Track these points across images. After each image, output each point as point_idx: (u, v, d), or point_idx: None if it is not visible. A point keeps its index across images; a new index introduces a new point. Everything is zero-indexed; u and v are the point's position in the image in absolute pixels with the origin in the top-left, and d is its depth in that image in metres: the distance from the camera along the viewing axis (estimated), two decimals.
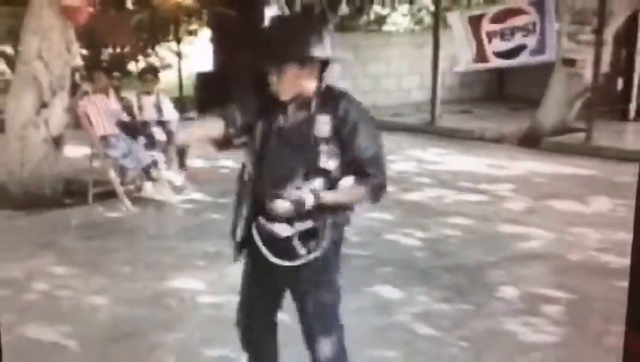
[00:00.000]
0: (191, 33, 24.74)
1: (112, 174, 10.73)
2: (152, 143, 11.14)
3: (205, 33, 24.66)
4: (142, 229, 9.59)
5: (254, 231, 4.19)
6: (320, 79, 4.15)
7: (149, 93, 11.74)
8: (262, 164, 4.15)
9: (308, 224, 4.03)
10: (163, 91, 12.34)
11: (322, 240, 4.06)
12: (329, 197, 4.00)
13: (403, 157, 14.33)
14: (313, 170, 3.99)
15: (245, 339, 4.60)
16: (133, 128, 11.28)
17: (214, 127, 4.21)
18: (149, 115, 11.61)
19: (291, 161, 4.03)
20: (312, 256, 4.06)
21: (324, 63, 4.15)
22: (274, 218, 3.99)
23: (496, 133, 16.46)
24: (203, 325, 6.33)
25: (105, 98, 11.15)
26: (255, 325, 4.56)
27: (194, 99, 20.97)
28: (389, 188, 10.47)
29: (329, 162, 4.01)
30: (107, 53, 22.51)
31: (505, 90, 22.92)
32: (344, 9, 23.04)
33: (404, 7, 26.93)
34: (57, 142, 10.74)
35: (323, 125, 4.02)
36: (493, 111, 19.85)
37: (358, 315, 6.35)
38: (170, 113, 11.90)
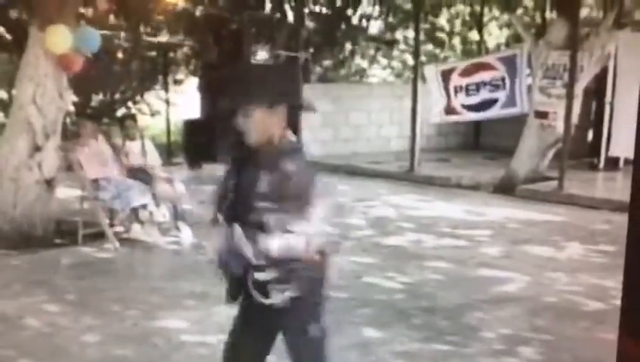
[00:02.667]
0: (178, 82, 24.80)
1: (102, 216, 10.71)
2: (146, 187, 11.11)
3: (192, 82, 24.74)
4: (130, 269, 9.55)
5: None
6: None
7: (132, 139, 11.76)
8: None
9: (274, 271, 4.13)
10: (151, 137, 12.36)
11: (293, 284, 4.15)
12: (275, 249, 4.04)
13: (382, 203, 14.36)
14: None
15: None
16: (141, 174, 11.31)
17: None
18: (135, 160, 11.62)
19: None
20: (285, 295, 4.15)
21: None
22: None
23: (472, 181, 16.54)
24: None
25: (95, 143, 11.15)
26: None
27: (181, 145, 21.01)
28: (370, 232, 10.49)
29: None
30: (97, 99, 22.59)
31: (481, 140, 23.04)
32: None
33: (384, 61, 27.19)
34: (49, 184, 10.72)
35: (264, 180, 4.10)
36: (469, 160, 19.94)
37: (340, 354, 6.34)
38: (154, 158, 11.94)
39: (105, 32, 14.43)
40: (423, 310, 7.88)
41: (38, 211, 10.63)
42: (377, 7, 24.54)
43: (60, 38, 10.29)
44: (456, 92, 17.04)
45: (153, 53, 22.98)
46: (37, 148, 10.50)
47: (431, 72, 18.03)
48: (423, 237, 11.46)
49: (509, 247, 10.83)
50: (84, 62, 10.80)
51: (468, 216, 13.11)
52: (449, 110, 17.42)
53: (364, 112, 21.71)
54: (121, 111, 22.99)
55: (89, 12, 15.05)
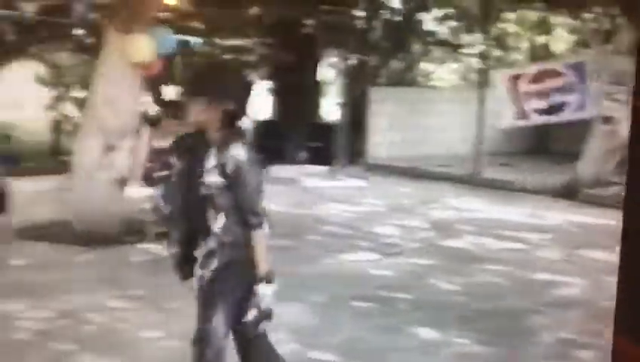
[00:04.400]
0: None
1: None
2: None
3: (264, 85, 24.83)
4: None
5: None
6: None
7: None
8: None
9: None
10: None
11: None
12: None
13: (446, 206, 14.31)
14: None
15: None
16: None
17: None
18: None
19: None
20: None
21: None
22: None
23: (536, 185, 16.37)
24: None
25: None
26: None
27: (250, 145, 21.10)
28: (432, 234, 10.43)
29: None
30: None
31: (547, 144, 22.84)
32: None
33: (452, 65, 27.02)
34: (122, 182, 10.84)
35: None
36: (535, 164, 19.74)
37: (400, 355, 6.34)
38: None
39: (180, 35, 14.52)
40: (483, 312, 7.81)
41: (110, 209, 10.75)
42: (446, 11, 24.36)
43: (142, 47, 10.39)
44: (525, 97, 16.90)
45: (227, 57, 23.11)
46: (110, 148, 10.62)
47: (499, 76, 17.94)
48: (485, 240, 11.38)
49: (570, 251, 10.70)
50: (159, 64, 10.91)
51: (530, 220, 12.99)
52: (520, 115, 17.28)
53: (430, 116, 21.61)
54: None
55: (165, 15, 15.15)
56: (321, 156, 20.06)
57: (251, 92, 4.99)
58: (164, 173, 4.64)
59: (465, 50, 25.02)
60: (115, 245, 10.38)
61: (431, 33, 24.62)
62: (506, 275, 9.39)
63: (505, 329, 7.33)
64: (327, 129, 20.76)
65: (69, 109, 20.13)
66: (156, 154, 11.18)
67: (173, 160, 4.76)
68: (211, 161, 4.44)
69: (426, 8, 23.66)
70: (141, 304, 7.76)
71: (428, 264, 9.86)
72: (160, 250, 10.27)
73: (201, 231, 4.57)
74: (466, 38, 24.99)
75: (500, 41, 24.61)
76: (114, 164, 10.67)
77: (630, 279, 2.60)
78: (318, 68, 22.50)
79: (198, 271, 4.66)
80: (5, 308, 7.49)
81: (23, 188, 12.05)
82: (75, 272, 9.04)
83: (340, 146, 20.07)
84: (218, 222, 4.50)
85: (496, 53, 24.27)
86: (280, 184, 17.13)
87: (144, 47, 10.38)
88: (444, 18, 24.35)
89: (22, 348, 6.45)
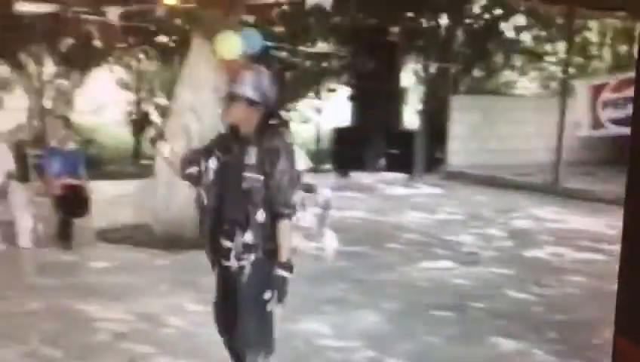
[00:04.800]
0: (331, 91, 24.97)
1: None
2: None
3: (344, 92, 24.89)
4: None
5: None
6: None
7: None
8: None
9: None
10: (301, 144, 12.44)
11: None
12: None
13: (525, 215, 14.17)
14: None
15: None
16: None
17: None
18: None
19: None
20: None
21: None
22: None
23: (616, 195, 16.11)
24: None
25: None
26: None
27: (330, 153, 21.15)
28: (510, 244, 10.33)
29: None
30: None
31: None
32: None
33: (533, 73, 26.78)
34: None
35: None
36: (615, 174, 19.33)
37: None
38: (303, 164, 12.03)
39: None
40: (560, 324, 7.73)
41: (189, 214, 10.82)
42: (529, 20, 24.14)
43: (231, 43, 10.47)
44: (603, 106, 16.69)
45: (308, 63, 23.22)
46: None
47: (580, 86, 17.77)
48: (563, 250, 11.25)
49: None
50: (242, 65, 10.98)
51: (610, 231, 12.77)
52: (595, 124, 17.08)
53: (511, 124, 21.42)
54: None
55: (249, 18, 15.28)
56: (400, 164, 20.01)
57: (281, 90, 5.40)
58: (194, 170, 4.94)
59: (547, 59, 24.80)
60: (193, 249, 10.48)
61: (513, 41, 24.43)
62: (585, 286, 9.28)
63: (582, 341, 7.24)
64: (407, 136, 20.70)
65: (152, 114, 20.45)
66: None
67: (207, 158, 5.09)
68: (251, 158, 4.79)
69: (508, 16, 23.48)
70: None
71: (506, 273, 9.79)
72: None
73: (239, 224, 4.84)
74: (548, 46, 24.79)
75: (583, 50, 24.36)
76: None
77: (630, 281, 2.59)
78: (399, 75, 22.45)
79: (234, 262, 4.93)
80: (85, 309, 7.62)
81: (105, 192, 12.24)
82: (154, 275, 9.16)
83: (419, 154, 20.02)
84: (259, 217, 4.82)
85: (578, 61, 24.03)
86: (359, 191, 17.17)
87: (229, 47, 10.47)
88: (527, 27, 24.15)
89: (100, 350, 6.56)
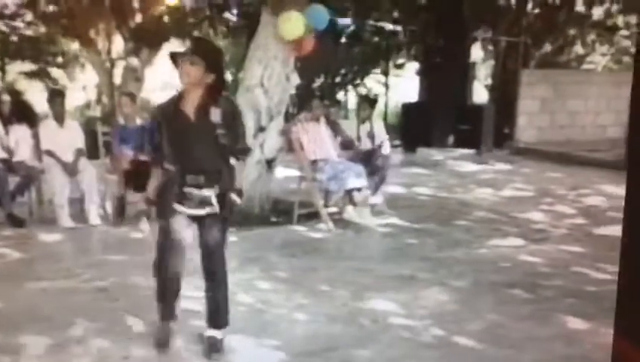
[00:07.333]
0: (398, 67, 24.86)
1: (317, 196, 10.85)
2: (367, 171, 11.17)
3: (412, 66, 24.76)
4: (341, 250, 9.62)
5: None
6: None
7: (364, 121, 11.92)
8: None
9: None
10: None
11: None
12: None
13: (596, 192, 13.96)
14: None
15: None
16: (358, 156, 11.45)
17: None
18: (364, 143, 11.77)
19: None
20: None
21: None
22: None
23: None
24: (394, 345, 6.27)
25: (316, 125, 11.28)
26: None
27: (398, 128, 21.05)
28: (581, 221, 10.16)
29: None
30: (319, 82, 22.92)
31: None
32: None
33: (604, 47, 26.36)
34: (270, 164, 10.96)
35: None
36: None
37: (545, 344, 6.23)
38: (384, 141, 12.02)
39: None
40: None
41: (257, 190, 10.88)
42: None
43: (294, 24, 10.47)
44: None
45: (376, 38, 23.13)
46: (261, 129, 10.75)
47: None
48: None
49: None
50: (311, 42, 10.96)
51: None
52: None
53: (581, 99, 21.15)
54: (341, 95, 23.26)
55: None
56: (468, 139, 19.86)
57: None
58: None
59: (619, 33, 24.40)
60: (261, 226, 10.52)
61: (586, 15, 24.07)
62: None
63: None
64: (476, 112, 20.51)
65: None
66: None
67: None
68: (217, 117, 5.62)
69: None
70: (288, 286, 7.82)
71: (576, 251, 9.63)
72: (305, 231, 10.40)
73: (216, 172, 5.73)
74: (620, 19, 24.38)
75: None
76: (264, 144, 10.80)
77: (630, 281, 2.54)
78: (468, 49, 22.25)
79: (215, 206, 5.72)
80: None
81: None
82: None
83: (488, 130, 19.84)
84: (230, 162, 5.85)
85: None
86: (427, 167, 17.08)
87: (298, 24, 10.45)
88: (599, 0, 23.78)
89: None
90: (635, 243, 2.53)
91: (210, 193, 5.66)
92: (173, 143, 5.72)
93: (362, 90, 23.80)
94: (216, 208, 5.68)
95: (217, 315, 6.04)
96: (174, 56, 5.76)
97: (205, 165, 5.69)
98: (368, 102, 12.71)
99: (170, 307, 6.08)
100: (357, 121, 12.09)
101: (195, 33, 21.01)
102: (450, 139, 20.34)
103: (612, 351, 2.63)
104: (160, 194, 5.88)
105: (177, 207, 5.71)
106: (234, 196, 5.83)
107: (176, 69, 5.66)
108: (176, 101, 5.76)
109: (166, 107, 5.89)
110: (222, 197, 5.71)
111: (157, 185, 5.92)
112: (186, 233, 5.87)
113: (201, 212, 5.72)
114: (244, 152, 6.00)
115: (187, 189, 5.66)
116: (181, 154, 5.68)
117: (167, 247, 5.84)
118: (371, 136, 11.91)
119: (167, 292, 6.01)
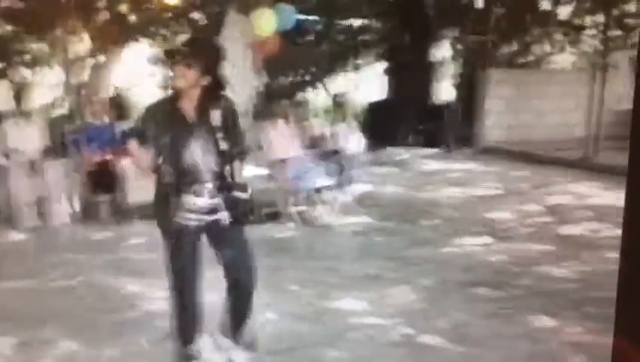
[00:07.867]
0: (365, 65, 24.89)
1: (286, 195, 10.84)
2: (335, 170, 11.21)
3: (380, 66, 24.80)
4: (308, 249, 9.64)
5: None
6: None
7: (332, 120, 11.98)
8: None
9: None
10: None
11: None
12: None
13: (562, 191, 14.01)
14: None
15: None
16: (325, 155, 11.46)
17: None
18: (332, 142, 11.81)
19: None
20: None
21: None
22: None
23: None
24: (360, 344, 6.28)
25: (284, 124, 11.28)
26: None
27: (365, 126, 21.08)
28: (547, 220, 10.20)
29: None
30: (286, 81, 22.88)
31: None
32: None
33: (571, 47, 26.48)
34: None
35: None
36: None
37: (511, 342, 6.26)
38: (354, 143, 12.08)
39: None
40: (598, 301, 7.61)
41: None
42: None
43: (267, 20, 10.47)
44: None
45: (342, 37, 23.15)
46: None
47: (620, 58, 17.53)
48: (602, 226, 11.11)
49: None
50: (277, 43, 10.97)
51: None
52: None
53: (547, 98, 21.24)
54: (309, 93, 23.27)
55: None
56: (434, 138, 19.94)
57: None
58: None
59: (585, 32, 24.51)
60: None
61: (551, 14, 24.16)
62: None
63: None
64: (442, 110, 20.58)
65: None
66: None
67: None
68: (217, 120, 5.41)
69: None
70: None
71: (542, 249, 9.68)
72: (272, 230, 10.38)
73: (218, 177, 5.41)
74: (586, 19, 24.48)
75: (621, 22, 24.05)
76: None
77: (630, 281, 2.54)
78: (434, 48, 22.31)
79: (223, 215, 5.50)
80: (125, 287, 7.65)
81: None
82: None
83: (454, 128, 19.91)
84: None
85: (617, 34, 23.74)
86: (393, 166, 17.11)
87: (271, 20, 10.45)
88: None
89: (135, 326, 6.58)
90: (635, 243, 2.53)
91: (214, 197, 5.38)
92: (170, 146, 5.27)
93: (330, 89, 23.82)
94: (224, 213, 5.45)
95: (239, 328, 5.80)
96: (170, 54, 5.69)
97: (206, 168, 5.33)
98: (336, 101, 12.74)
99: (192, 332, 5.74)
100: (325, 120, 12.11)
101: (163, 32, 20.94)
102: (417, 138, 20.39)
103: (612, 351, 2.63)
104: (159, 205, 5.43)
105: (181, 217, 5.32)
106: (239, 193, 5.53)
107: (170, 68, 5.49)
108: (172, 101, 5.41)
109: (159, 108, 5.50)
110: (228, 199, 5.45)
111: (155, 196, 5.47)
112: (198, 247, 5.59)
113: (209, 218, 5.42)
114: (243, 154, 5.71)
115: (188, 196, 5.29)
116: (179, 157, 5.27)
117: (181, 269, 5.57)
118: (339, 134, 11.93)
119: (189, 321, 5.72)
